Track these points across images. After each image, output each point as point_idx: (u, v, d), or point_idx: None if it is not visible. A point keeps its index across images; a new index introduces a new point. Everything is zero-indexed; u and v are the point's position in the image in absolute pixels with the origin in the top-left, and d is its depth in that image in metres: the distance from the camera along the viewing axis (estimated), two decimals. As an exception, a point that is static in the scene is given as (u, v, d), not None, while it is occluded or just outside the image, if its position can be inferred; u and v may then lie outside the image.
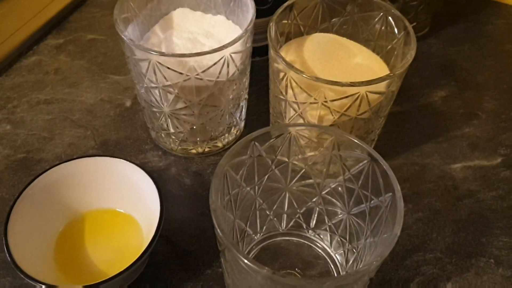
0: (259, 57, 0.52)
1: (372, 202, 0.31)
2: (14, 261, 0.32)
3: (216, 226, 0.26)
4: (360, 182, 0.32)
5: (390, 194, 0.28)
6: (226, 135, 0.45)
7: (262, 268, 0.25)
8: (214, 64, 0.37)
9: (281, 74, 0.37)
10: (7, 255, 0.33)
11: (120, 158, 0.38)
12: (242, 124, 0.47)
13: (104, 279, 0.32)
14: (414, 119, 0.49)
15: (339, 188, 0.34)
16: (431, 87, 0.52)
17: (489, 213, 0.42)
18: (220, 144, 0.46)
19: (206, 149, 0.45)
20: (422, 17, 0.55)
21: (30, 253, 0.35)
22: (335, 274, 0.36)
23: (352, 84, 0.33)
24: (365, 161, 0.30)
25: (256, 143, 0.31)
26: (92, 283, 0.32)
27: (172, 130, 0.43)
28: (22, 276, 0.32)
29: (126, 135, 0.47)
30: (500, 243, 0.40)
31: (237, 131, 0.47)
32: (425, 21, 0.57)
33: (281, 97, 0.38)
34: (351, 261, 0.35)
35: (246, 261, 0.25)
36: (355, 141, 0.30)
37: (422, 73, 0.54)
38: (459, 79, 0.53)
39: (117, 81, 0.52)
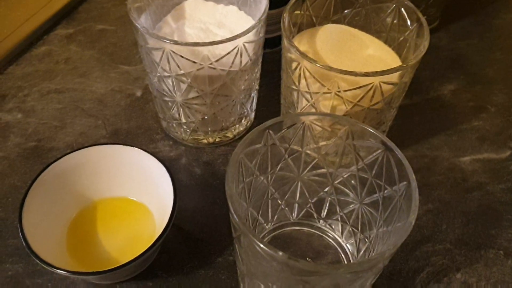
0: (269, 48, 0.52)
1: (385, 191, 0.31)
2: (30, 247, 0.33)
3: (232, 212, 0.27)
4: (373, 171, 0.32)
5: (405, 183, 0.29)
6: (237, 125, 0.46)
7: (278, 253, 0.25)
8: (228, 53, 0.37)
9: (294, 64, 0.37)
10: (23, 241, 0.33)
11: (133, 146, 0.38)
12: (253, 115, 0.47)
13: (117, 266, 0.33)
14: (424, 112, 0.49)
15: (352, 178, 0.34)
16: (440, 80, 0.52)
17: (498, 206, 0.42)
18: (230, 135, 0.46)
19: (217, 139, 0.45)
20: (432, 11, 0.55)
21: (43, 239, 0.35)
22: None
23: (366, 74, 0.33)
24: (379, 151, 0.31)
25: (271, 132, 0.32)
26: (104, 269, 0.33)
27: (183, 120, 0.43)
28: (37, 261, 0.32)
29: (137, 125, 0.47)
30: (510, 235, 0.40)
31: (247, 122, 0.47)
32: (434, 15, 0.57)
33: (294, 87, 0.38)
34: (362, 251, 0.35)
35: (262, 245, 0.25)
36: (370, 130, 0.30)
37: (432, 66, 0.54)
38: (468, 73, 0.53)
39: (127, 71, 0.52)
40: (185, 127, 0.44)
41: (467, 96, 0.51)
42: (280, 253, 0.25)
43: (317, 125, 0.32)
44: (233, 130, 0.46)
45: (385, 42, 0.41)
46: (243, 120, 0.46)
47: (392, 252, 0.26)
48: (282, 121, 0.32)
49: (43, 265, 0.32)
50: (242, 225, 0.26)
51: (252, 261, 0.29)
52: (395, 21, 0.41)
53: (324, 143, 0.34)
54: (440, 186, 0.43)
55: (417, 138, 0.47)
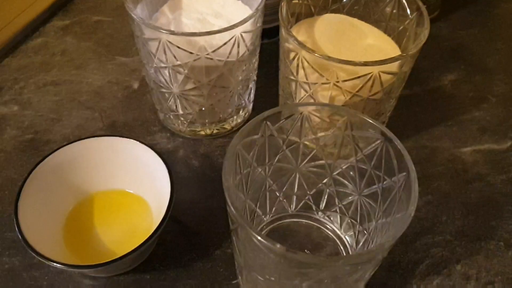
0: (267, 39, 0.51)
1: (385, 182, 0.31)
2: (26, 240, 0.32)
3: (229, 204, 0.26)
4: (372, 162, 0.31)
5: (404, 173, 0.28)
6: (235, 117, 0.45)
7: (275, 245, 0.25)
8: (225, 44, 0.36)
9: (292, 54, 0.36)
10: (18, 234, 0.33)
11: (130, 138, 0.38)
12: (251, 106, 0.47)
13: (114, 258, 0.32)
14: (424, 103, 0.49)
15: (351, 170, 0.34)
16: (440, 70, 0.52)
17: (499, 197, 0.42)
18: (228, 126, 0.45)
19: (215, 131, 0.45)
20: (432, 0, 0.55)
21: (40, 232, 0.35)
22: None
23: (365, 64, 0.33)
24: (379, 141, 0.30)
25: (268, 123, 0.31)
26: (101, 262, 0.32)
27: (180, 112, 0.43)
28: (33, 254, 0.32)
29: (134, 117, 0.47)
30: (510, 227, 0.40)
31: (245, 113, 0.46)
32: (435, 4, 0.56)
33: (292, 77, 0.38)
34: (361, 243, 0.35)
35: (259, 238, 0.25)
36: (369, 120, 0.30)
37: (432, 56, 0.53)
38: (468, 63, 0.53)
39: (124, 63, 0.52)
40: (182, 119, 0.43)
41: (468, 86, 0.50)
42: (278, 245, 0.24)
43: (315, 115, 0.32)
44: (231, 122, 0.45)
45: (385, 31, 0.41)
46: (241, 112, 0.45)
47: (391, 244, 0.26)
48: (280, 112, 0.31)
49: (39, 258, 0.32)
50: (239, 217, 0.26)
51: (249, 254, 0.28)
52: (394, 10, 0.40)
53: (322, 134, 0.33)
54: (440, 177, 0.43)
55: (417, 129, 0.46)
